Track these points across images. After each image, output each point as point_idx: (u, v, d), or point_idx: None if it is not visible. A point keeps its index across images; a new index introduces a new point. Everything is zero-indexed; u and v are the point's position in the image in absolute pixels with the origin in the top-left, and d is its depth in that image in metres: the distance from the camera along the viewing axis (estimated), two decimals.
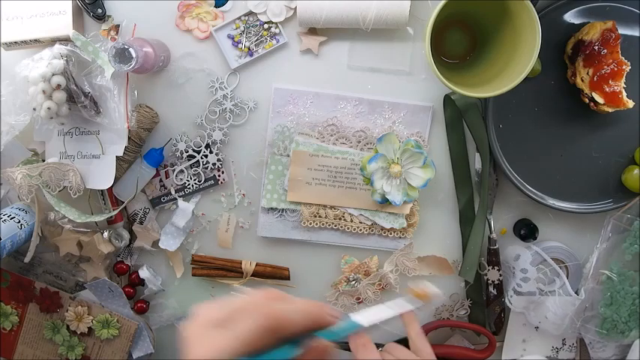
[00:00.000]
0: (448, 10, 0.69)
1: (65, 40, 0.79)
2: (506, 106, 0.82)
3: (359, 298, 0.92)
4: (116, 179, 0.84)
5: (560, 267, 0.88)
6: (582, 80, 0.77)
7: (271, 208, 0.88)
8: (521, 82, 0.69)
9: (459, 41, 0.82)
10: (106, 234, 0.89)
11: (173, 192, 0.89)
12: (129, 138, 0.82)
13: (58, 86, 0.76)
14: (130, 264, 0.93)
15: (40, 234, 0.88)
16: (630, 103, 0.76)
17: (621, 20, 0.77)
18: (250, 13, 0.82)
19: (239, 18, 0.82)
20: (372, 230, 0.88)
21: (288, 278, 0.91)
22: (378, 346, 0.60)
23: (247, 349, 0.43)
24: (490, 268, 0.89)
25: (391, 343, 0.76)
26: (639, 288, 0.87)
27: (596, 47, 0.75)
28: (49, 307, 0.94)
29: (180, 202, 0.89)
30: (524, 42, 0.71)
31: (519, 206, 0.89)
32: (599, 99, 0.76)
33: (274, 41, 0.83)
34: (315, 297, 0.93)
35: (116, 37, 0.83)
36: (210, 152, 0.87)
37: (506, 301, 0.91)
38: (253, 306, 0.46)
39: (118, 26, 0.82)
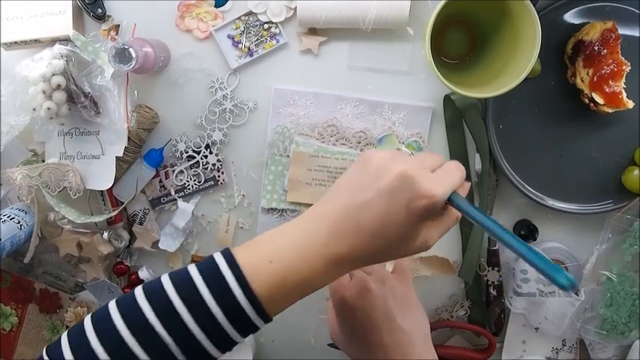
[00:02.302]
0: (448, 10, 0.69)
1: (65, 40, 0.79)
2: (506, 107, 0.82)
3: None
4: (116, 180, 0.84)
5: None
6: (582, 80, 0.77)
7: (271, 209, 0.88)
8: (521, 83, 0.69)
9: (459, 41, 0.82)
10: (105, 235, 0.89)
11: (173, 193, 0.89)
12: (129, 138, 0.82)
13: (58, 86, 0.76)
14: (129, 265, 0.93)
15: (39, 235, 0.88)
16: (630, 104, 0.76)
17: (621, 20, 0.77)
18: (250, 13, 0.82)
19: (239, 18, 0.82)
20: None
21: None
22: None
23: (452, 191, 0.56)
24: (490, 268, 0.89)
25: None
26: (639, 289, 0.87)
27: (596, 47, 0.75)
28: (48, 307, 0.94)
29: (180, 202, 0.89)
30: (524, 42, 0.71)
31: (519, 207, 0.89)
32: (599, 99, 0.76)
33: (274, 41, 0.83)
34: (315, 297, 0.92)
35: (116, 37, 0.83)
36: (210, 153, 0.86)
37: (506, 301, 0.91)
38: (455, 164, 0.59)
39: (118, 26, 0.82)
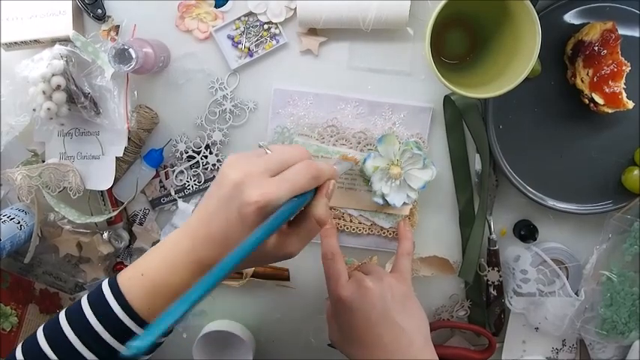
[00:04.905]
0: (448, 10, 0.68)
1: (65, 40, 0.79)
2: (506, 107, 0.82)
3: None
4: (116, 180, 0.84)
5: (560, 268, 0.88)
6: (582, 81, 0.77)
7: None
8: (521, 83, 0.69)
9: (459, 41, 0.82)
10: (105, 235, 0.89)
11: (173, 193, 0.89)
12: (129, 139, 0.82)
13: (58, 87, 0.76)
14: (129, 264, 0.92)
15: (39, 235, 0.88)
16: (630, 104, 0.76)
17: (621, 21, 0.77)
18: (250, 14, 0.82)
19: (239, 18, 0.82)
20: (372, 230, 0.88)
21: (287, 279, 0.91)
22: None
23: (297, 193, 0.56)
24: (490, 268, 0.89)
25: (369, 263, 0.86)
26: (639, 289, 0.87)
27: (595, 48, 0.75)
28: (48, 307, 0.94)
29: (180, 202, 0.89)
30: (524, 42, 0.70)
31: (519, 207, 0.89)
32: (599, 100, 0.76)
33: (274, 42, 0.83)
34: (315, 297, 0.93)
35: (116, 37, 0.83)
36: (210, 153, 0.86)
37: (506, 301, 0.91)
38: (303, 159, 0.59)
39: (117, 27, 0.82)
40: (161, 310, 0.57)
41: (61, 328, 0.58)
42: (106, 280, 0.60)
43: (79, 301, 0.60)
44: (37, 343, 0.58)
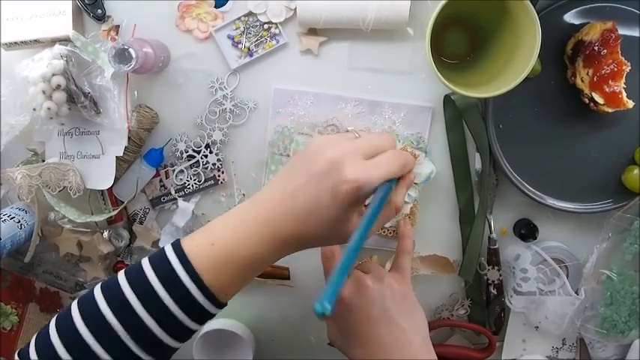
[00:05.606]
0: (448, 10, 0.68)
1: (65, 40, 0.79)
2: (506, 107, 0.82)
3: None
4: (116, 179, 0.84)
5: (560, 267, 0.88)
6: (582, 80, 0.77)
7: None
8: (521, 83, 0.69)
9: (459, 41, 0.82)
10: (105, 234, 0.89)
11: (173, 192, 0.89)
12: (129, 138, 0.82)
13: (58, 86, 0.76)
14: (129, 264, 0.93)
15: (40, 234, 0.88)
16: (630, 104, 0.76)
17: (621, 20, 0.77)
18: (250, 14, 0.82)
19: (239, 18, 0.82)
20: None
21: (288, 278, 0.92)
22: None
23: (388, 178, 0.59)
24: (490, 267, 0.89)
25: (369, 262, 0.84)
26: (639, 288, 0.87)
27: (596, 47, 0.75)
28: (48, 306, 0.94)
29: (180, 202, 0.89)
30: (524, 42, 0.70)
31: (519, 206, 0.89)
32: (599, 99, 0.76)
33: (274, 42, 0.83)
34: (315, 296, 0.92)
35: (116, 37, 0.83)
36: (210, 152, 0.87)
37: (506, 300, 0.91)
38: (392, 147, 0.63)
39: (117, 26, 0.82)
40: (231, 280, 0.59)
41: (122, 291, 0.57)
42: (169, 247, 0.60)
43: (140, 266, 0.59)
44: (99, 309, 0.56)
